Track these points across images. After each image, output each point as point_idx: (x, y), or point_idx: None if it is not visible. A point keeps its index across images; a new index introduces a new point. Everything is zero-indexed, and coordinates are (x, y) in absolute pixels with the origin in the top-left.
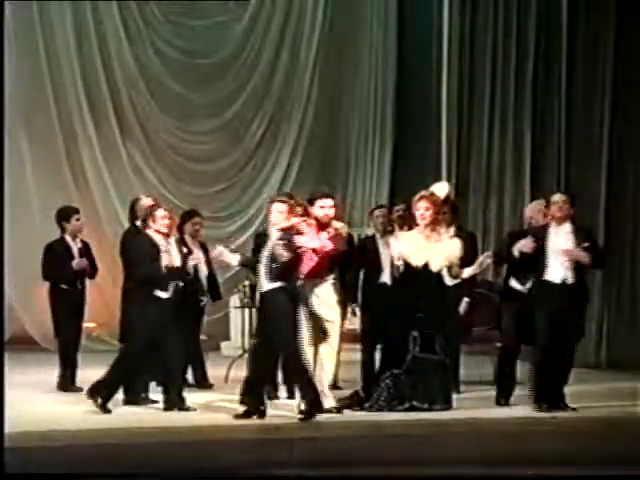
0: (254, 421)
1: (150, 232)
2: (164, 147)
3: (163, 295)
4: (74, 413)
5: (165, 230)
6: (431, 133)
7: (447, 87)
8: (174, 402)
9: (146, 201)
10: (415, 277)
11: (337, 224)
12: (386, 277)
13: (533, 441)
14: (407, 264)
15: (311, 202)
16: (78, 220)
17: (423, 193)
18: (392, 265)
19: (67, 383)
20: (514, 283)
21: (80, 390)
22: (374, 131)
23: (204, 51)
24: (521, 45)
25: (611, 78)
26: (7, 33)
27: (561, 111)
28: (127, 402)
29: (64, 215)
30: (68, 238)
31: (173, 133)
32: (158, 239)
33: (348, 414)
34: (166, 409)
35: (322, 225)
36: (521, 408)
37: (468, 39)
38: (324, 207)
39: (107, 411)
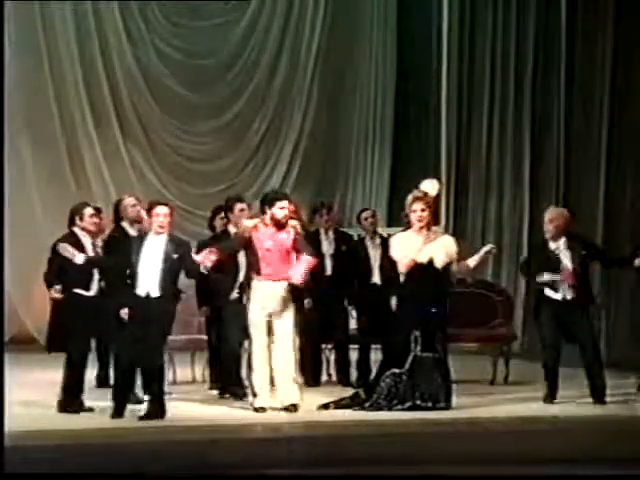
0: (254, 421)
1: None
2: (165, 147)
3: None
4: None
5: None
6: (431, 133)
7: (447, 87)
8: (155, 413)
9: (129, 200)
10: (420, 276)
11: (292, 222)
12: (376, 278)
13: (533, 441)
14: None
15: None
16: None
17: (417, 194)
18: (381, 267)
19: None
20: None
21: None
22: (374, 131)
23: (205, 52)
24: (520, 45)
25: (610, 78)
26: (7, 33)
27: (560, 111)
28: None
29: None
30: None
31: (174, 133)
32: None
33: (348, 414)
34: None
35: (280, 225)
36: (521, 408)
37: (468, 39)
38: (283, 208)
39: None
